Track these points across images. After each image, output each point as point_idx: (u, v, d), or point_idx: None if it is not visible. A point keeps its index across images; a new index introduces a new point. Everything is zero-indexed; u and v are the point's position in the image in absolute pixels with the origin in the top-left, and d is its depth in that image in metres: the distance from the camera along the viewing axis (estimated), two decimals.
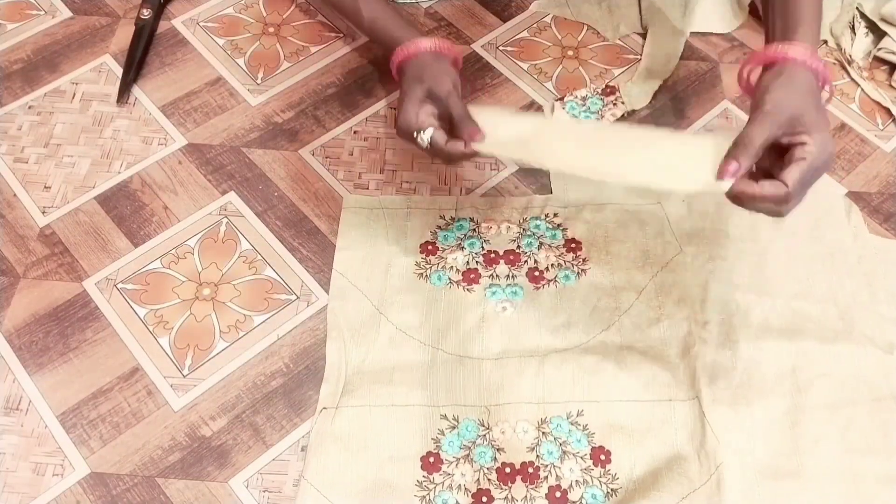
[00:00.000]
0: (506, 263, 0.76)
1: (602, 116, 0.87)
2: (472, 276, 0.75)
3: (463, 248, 0.77)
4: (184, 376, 0.70)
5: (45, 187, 0.81)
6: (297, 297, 0.74)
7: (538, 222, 0.79)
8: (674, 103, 0.90)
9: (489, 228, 0.78)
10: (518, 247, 0.77)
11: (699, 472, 0.65)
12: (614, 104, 0.88)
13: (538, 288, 0.75)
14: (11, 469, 0.65)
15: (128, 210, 0.80)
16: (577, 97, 0.89)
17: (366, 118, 0.87)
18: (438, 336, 0.72)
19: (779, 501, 0.65)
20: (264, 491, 0.65)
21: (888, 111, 0.90)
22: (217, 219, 0.79)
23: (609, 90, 0.89)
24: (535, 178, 0.83)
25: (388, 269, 0.76)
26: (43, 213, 0.79)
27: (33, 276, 0.75)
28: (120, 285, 0.75)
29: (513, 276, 0.76)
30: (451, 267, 0.76)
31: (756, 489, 0.65)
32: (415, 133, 0.66)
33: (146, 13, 0.93)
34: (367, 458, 0.65)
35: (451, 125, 0.66)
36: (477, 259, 0.77)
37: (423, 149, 0.66)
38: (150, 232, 0.78)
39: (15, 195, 0.80)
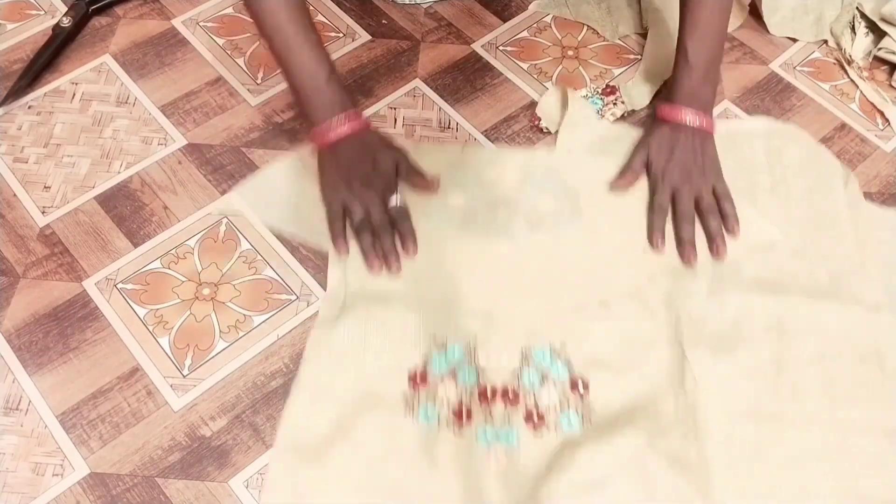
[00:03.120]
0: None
1: (602, 116, 0.87)
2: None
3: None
4: (184, 376, 0.70)
5: (45, 187, 0.81)
6: (297, 297, 0.74)
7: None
8: None
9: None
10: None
11: (675, 409, 0.67)
12: (614, 104, 0.88)
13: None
14: (11, 469, 0.65)
15: (128, 210, 0.80)
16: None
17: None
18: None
19: (758, 444, 0.66)
20: None
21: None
22: (217, 219, 0.79)
23: (609, 90, 0.89)
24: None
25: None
26: (43, 213, 0.79)
27: (33, 276, 0.75)
28: (120, 285, 0.75)
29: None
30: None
31: (736, 430, 0.67)
32: (391, 197, 0.75)
33: (66, 21, 0.91)
34: (359, 370, 0.69)
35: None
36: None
37: (369, 221, 0.75)
38: (150, 232, 0.78)
39: (15, 195, 0.80)
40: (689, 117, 0.79)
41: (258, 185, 0.81)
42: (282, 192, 0.80)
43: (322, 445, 0.65)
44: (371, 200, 0.75)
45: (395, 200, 0.76)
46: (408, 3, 0.97)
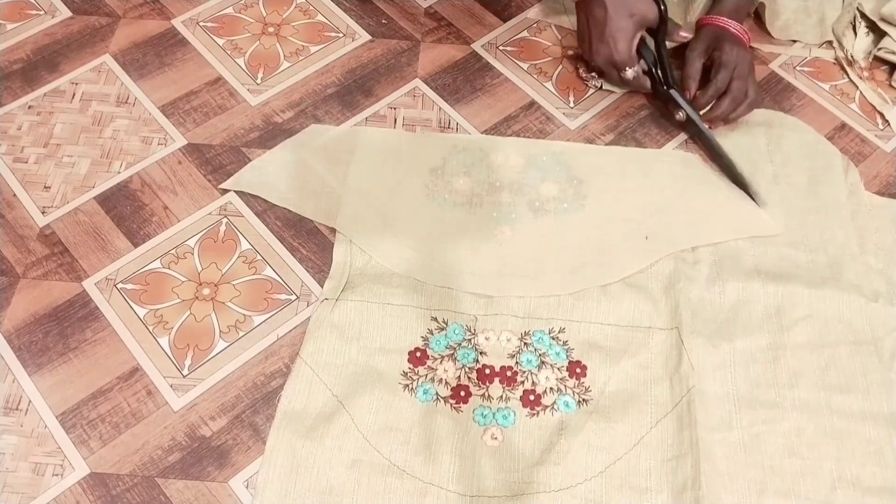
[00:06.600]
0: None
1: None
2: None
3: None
4: (183, 376, 0.70)
5: (45, 187, 0.81)
6: (297, 297, 0.74)
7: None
8: None
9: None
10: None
11: (671, 394, 0.68)
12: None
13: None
14: (11, 469, 0.65)
15: (128, 210, 0.80)
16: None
17: (365, 118, 0.87)
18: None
19: (755, 428, 0.67)
20: None
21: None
22: (217, 219, 0.79)
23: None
24: None
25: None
26: (43, 213, 0.79)
27: (33, 276, 0.75)
28: (120, 285, 0.75)
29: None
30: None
31: (732, 417, 0.67)
32: (625, 69, 0.83)
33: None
34: (360, 347, 0.71)
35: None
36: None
37: (616, 82, 0.86)
38: (150, 232, 0.78)
39: (15, 195, 0.80)
40: (730, 27, 0.87)
41: (257, 168, 0.82)
42: (281, 172, 0.81)
43: (320, 420, 0.66)
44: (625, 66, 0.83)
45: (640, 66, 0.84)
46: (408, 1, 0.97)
